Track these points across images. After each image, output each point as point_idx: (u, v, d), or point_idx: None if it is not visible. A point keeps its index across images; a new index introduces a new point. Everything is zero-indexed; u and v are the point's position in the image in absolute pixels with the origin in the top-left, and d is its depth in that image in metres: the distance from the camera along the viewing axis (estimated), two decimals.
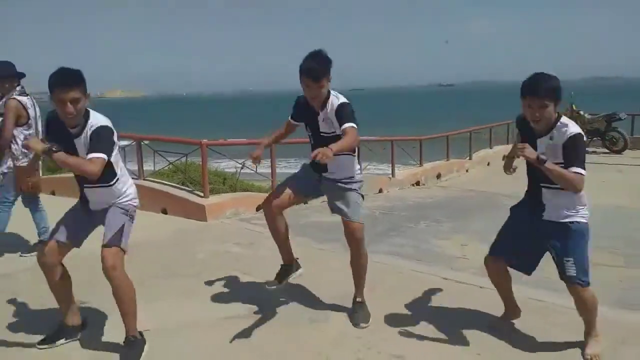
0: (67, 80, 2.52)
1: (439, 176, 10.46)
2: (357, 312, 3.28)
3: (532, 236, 2.84)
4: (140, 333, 2.83)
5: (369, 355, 2.85)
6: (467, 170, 11.50)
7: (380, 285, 3.87)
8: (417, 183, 9.81)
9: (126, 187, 2.87)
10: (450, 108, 68.20)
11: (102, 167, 2.51)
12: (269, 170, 7.25)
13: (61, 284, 2.86)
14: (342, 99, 3.03)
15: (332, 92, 3.05)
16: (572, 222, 2.72)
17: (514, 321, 3.19)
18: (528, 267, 2.98)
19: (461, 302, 3.57)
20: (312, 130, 3.18)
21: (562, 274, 2.74)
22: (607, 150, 13.34)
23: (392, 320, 3.29)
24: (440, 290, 3.81)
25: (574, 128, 2.59)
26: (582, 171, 2.52)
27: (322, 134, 3.11)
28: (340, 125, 2.91)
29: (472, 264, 4.58)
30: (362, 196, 3.26)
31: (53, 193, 7.05)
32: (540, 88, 2.54)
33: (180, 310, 3.46)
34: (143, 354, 2.76)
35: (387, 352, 2.87)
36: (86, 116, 2.64)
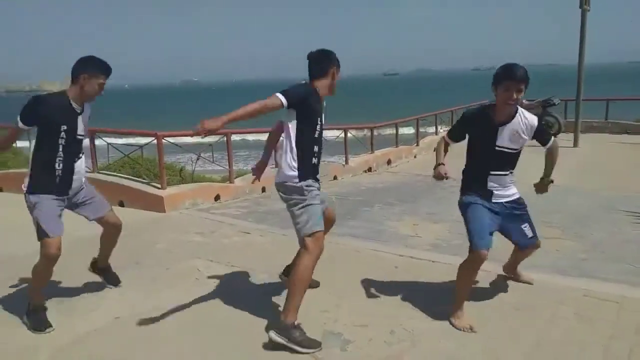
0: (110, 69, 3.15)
1: (389, 162, 10.83)
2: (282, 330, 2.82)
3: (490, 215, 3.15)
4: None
5: (336, 327, 3.05)
6: (415, 156, 11.95)
7: (341, 264, 4.09)
8: (369, 169, 10.13)
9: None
10: (397, 96, 69.60)
11: None
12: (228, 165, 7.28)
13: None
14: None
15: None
16: (518, 197, 3.24)
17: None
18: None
19: (416, 276, 3.86)
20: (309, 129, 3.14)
21: (522, 240, 3.27)
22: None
23: (355, 294, 3.51)
24: (396, 266, 4.08)
25: (531, 116, 3.11)
26: (553, 138, 3.24)
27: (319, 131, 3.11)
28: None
29: (423, 241, 4.90)
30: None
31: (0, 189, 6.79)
32: (518, 73, 2.91)
33: (147, 298, 3.52)
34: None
35: (352, 323, 3.09)
36: None
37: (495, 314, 3.19)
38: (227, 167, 7.24)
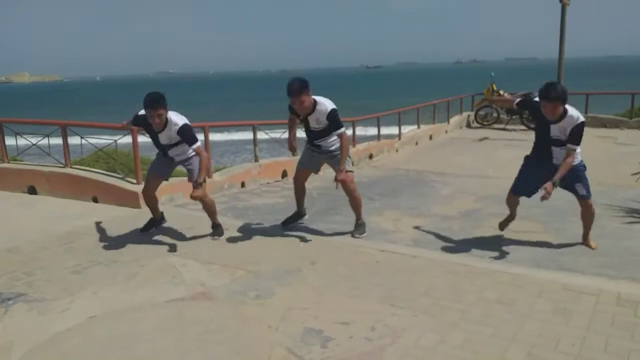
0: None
1: (370, 156, 10.80)
2: (356, 228, 4.83)
3: (542, 173, 4.02)
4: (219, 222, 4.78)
5: (317, 324, 3.01)
6: (397, 150, 11.95)
7: (322, 260, 4.05)
8: (351, 164, 10.10)
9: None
10: (379, 89, 69.77)
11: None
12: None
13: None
14: (331, 105, 4.43)
15: (317, 98, 4.43)
16: (575, 165, 4.07)
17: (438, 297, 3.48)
18: (531, 194, 4.36)
19: (397, 271, 3.83)
20: (304, 125, 4.63)
21: (576, 194, 4.22)
22: (524, 128, 14.34)
23: (336, 291, 3.48)
24: (378, 261, 4.05)
25: (578, 117, 3.94)
26: (575, 146, 3.96)
27: (312, 129, 4.59)
28: (334, 129, 4.49)
29: (405, 236, 4.88)
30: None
31: (34, 190, 6.48)
32: (552, 95, 3.81)
33: (122, 296, 3.44)
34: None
35: (333, 320, 3.05)
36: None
37: (476, 308, 3.18)
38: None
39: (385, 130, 12.30)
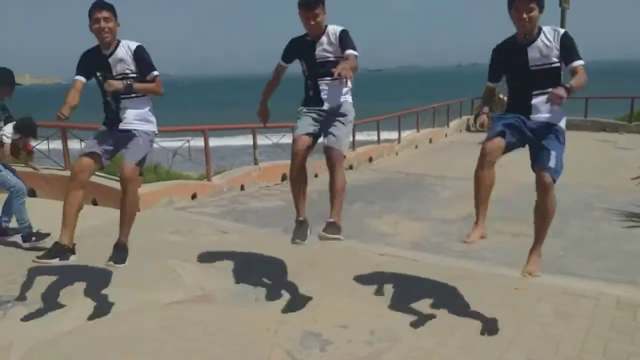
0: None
1: (370, 160, 10.82)
2: (328, 227, 3.31)
3: (521, 128, 2.97)
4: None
5: (316, 327, 3.00)
6: (396, 153, 11.96)
7: (322, 263, 4.04)
8: (350, 167, 10.10)
9: (151, 108, 3.45)
10: (380, 93, 69.86)
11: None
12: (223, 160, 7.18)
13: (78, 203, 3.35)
14: (341, 27, 3.43)
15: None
16: (557, 125, 2.96)
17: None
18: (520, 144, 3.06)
19: (397, 274, 3.82)
20: (307, 61, 3.48)
21: (542, 164, 2.86)
22: None
23: (335, 294, 3.47)
24: (377, 264, 4.04)
25: (559, 28, 2.92)
26: (582, 61, 2.82)
27: (318, 61, 3.42)
28: (344, 50, 3.33)
29: (404, 240, 4.89)
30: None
31: (33, 193, 6.44)
32: None
33: (124, 298, 3.43)
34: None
35: (332, 323, 3.04)
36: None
37: (475, 312, 3.18)
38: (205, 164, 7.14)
39: (385, 134, 12.33)
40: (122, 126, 3.33)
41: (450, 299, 3.38)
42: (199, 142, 7.75)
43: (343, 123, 3.43)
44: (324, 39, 3.42)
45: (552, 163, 2.86)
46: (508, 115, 3.04)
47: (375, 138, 11.92)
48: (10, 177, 4.30)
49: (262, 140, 8.44)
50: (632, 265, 4.02)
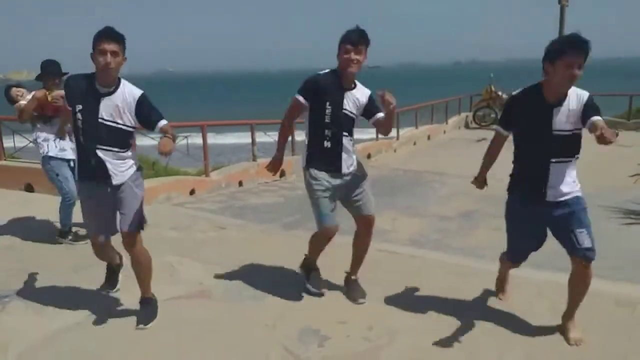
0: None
1: (369, 156, 10.80)
2: (353, 290, 3.37)
3: (537, 227, 2.82)
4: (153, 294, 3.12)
5: (314, 323, 3.00)
6: (395, 150, 11.95)
7: (320, 259, 4.02)
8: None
9: (133, 154, 2.91)
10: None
11: None
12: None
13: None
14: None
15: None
16: (577, 197, 2.69)
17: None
18: (537, 248, 3.00)
19: (395, 270, 3.83)
20: (333, 105, 3.08)
21: (576, 247, 2.63)
22: None
23: (334, 290, 3.47)
24: (375, 260, 4.03)
25: (582, 91, 2.58)
26: (600, 117, 2.49)
27: (344, 110, 3.11)
28: (375, 113, 3.20)
29: (402, 236, 4.88)
30: None
31: (30, 188, 6.39)
32: (586, 45, 2.44)
33: (122, 294, 3.41)
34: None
35: (331, 320, 3.05)
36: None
37: (473, 309, 3.18)
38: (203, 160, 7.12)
39: None
40: (104, 182, 2.80)
41: (448, 295, 3.38)
42: (197, 140, 7.73)
43: (367, 188, 3.27)
44: (355, 92, 3.14)
45: (587, 243, 2.61)
46: (520, 216, 2.80)
47: (374, 135, 11.90)
48: (66, 184, 4.38)
49: (260, 137, 8.42)
50: (631, 263, 4.03)
